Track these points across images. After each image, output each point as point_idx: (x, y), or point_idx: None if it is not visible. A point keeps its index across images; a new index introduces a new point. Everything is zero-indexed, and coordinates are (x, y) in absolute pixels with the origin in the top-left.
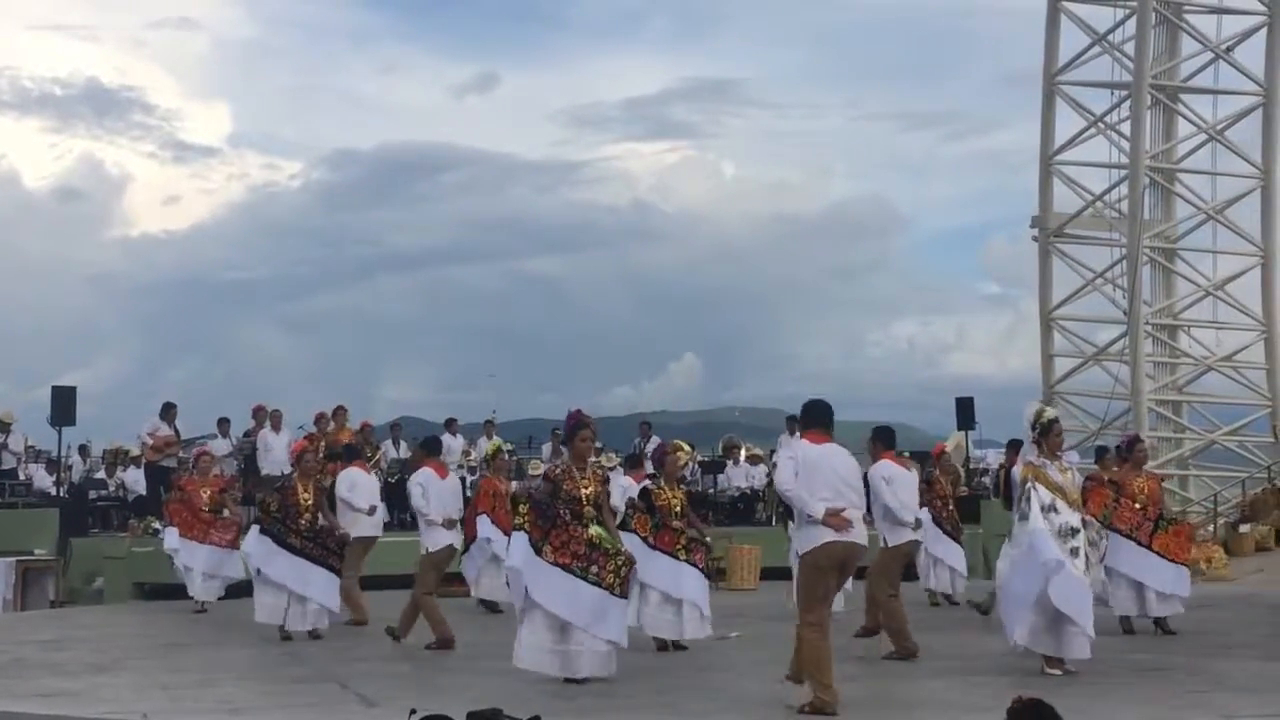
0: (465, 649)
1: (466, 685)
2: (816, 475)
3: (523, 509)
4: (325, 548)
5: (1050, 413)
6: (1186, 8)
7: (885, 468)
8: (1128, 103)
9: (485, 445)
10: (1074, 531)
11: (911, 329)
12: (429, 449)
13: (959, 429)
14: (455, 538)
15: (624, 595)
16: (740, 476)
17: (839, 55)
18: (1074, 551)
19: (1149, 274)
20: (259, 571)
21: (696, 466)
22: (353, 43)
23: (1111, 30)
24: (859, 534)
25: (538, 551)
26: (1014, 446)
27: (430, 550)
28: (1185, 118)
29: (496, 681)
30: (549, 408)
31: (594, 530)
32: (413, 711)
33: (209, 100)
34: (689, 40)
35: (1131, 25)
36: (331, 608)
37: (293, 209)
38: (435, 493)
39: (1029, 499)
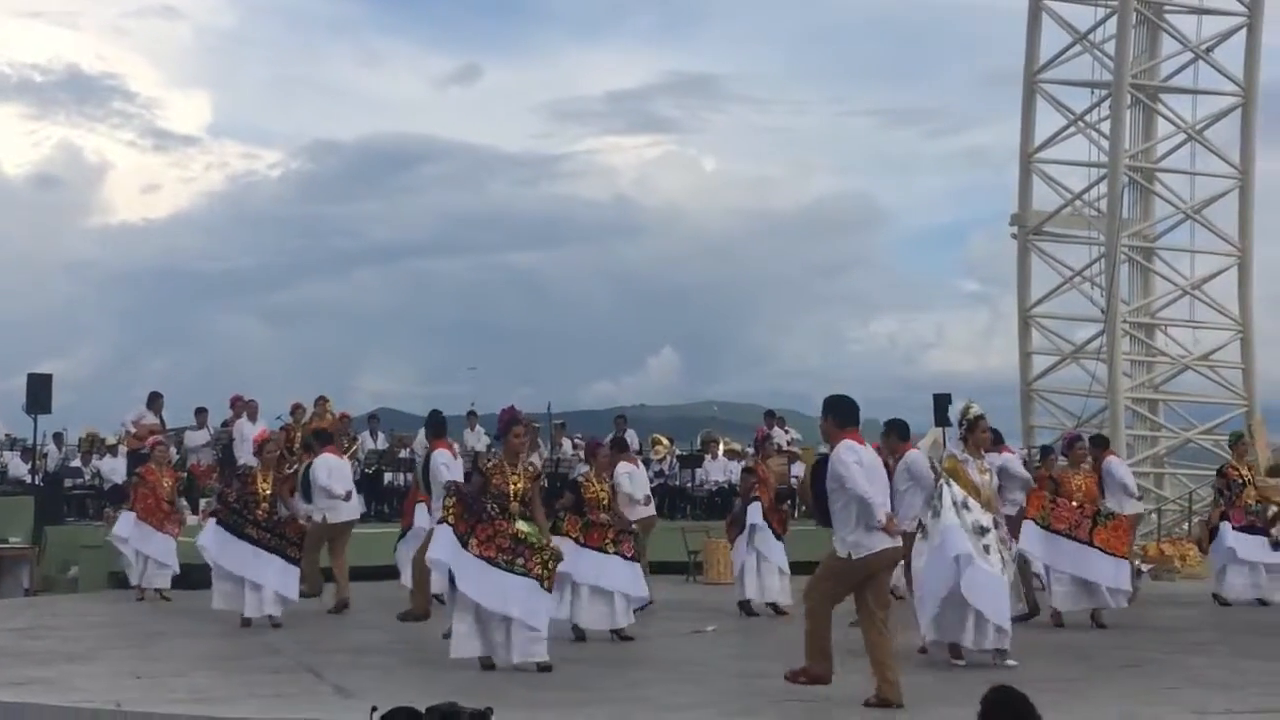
0: (441, 642)
1: (440, 677)
2: (875, 479)
3: (449, 502)
4: (283, 537)
5: (976, 409)
6: (1167, 8)
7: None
8: (1108, 102)
9: (469, 437)
10: (984, 530)
11: (891, 326)
12: (438, 430)
13: (936, 425)
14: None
15: (549, 589)
16: (718, 471)
17: (822, 52)
18: (985, 548)
19: (1127, 273)
20: (215, 563)
21: (675, 460)
22: (334, 33)
23: (1092, 29)
24: (899, 539)
25: (464, 545)
26: (1098, 444)
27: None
28: (1165, 117)
29: (470, 674)
30: (527, 401)
31: (520, 525)
32: (374, 709)
33: (189, 89)
34: (672, 35)
35: (1112, 24)
36: (289, 596)
37: (272, 199)
38: (457, 472)
39: (941, 495)
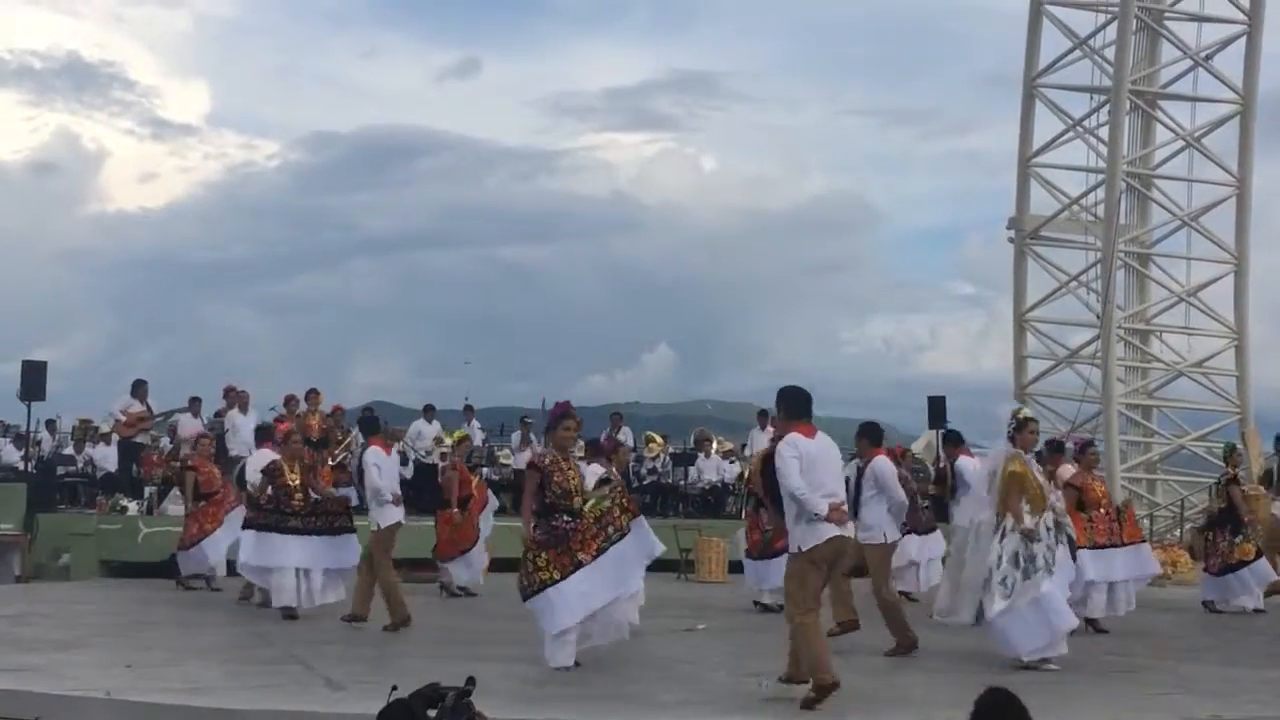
0: (433, 634)
1: (432, 670)
2: (818, 470)
3: (541, 560)
4: (328, 513)
5: (1026, 412)
6: (1167, 15)
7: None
8: (1107, 107)
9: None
10: (1056, 525)
11: (886, 327)
12: (371, 428)
13: (930, 428)
14: (402, 514)
15: (636, 514)
16: (711, 469)
17: (820, 50)
18: (1059, 543)
19: (1123, 278)
20: (263, 566)
21: (668, 458)
22: (334, 24)
23: (1093, 35)
24: (850, 527)
25: (577, 566)
26: (949, 440)
27: (383, 526)
28: (1163, 124)
29: (462, 666)
30: (522, 396)
31: (588, 507)
32: (394, 688)
33: (188, 78)
34: (671, 31)
35: (1113, 30)
36: (347, 566)
37: (270, 190)
38: (387, 470)
39: (1033, 557)
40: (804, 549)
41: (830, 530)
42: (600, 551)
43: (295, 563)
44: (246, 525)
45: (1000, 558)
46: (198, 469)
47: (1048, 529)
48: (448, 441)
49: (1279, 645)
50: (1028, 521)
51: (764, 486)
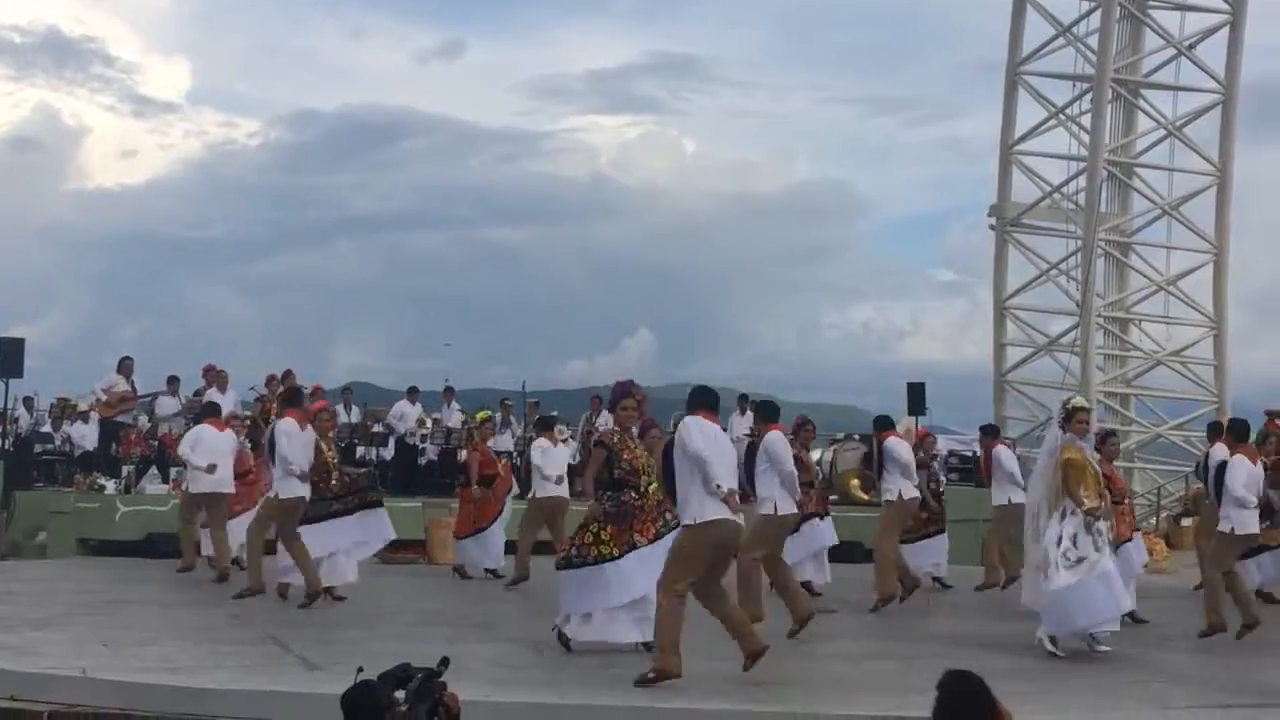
0: (415, 615)
1: (409, 651)
2: (720, 455)
3: (605, 533)
4: (362, 489)
5: (1078, 401)
6: (1151, 3)
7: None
8: (1089, 95)
9: (445, 413)
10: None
11: (867, 313)
12: (291, 400)
13: (910, 414)
14: (307, 489)
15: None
16: None
17: (805, 37)
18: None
19: (1103, 267)
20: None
21: None
22: (318, 3)
23: (1076, 22)
24: (741, 516)
25: (633, 546)
26: (988, 432)
27: (281, 497)
28: (1145, 113)
29: (440, 648)
30: (501, 378)
31: (653, 489)
32: (359, 670)
33: (170, 55)
34: (655, 15)
35: (1096, 18)
36: (388, 536)
37: (251, 168)
38: (299, 443)
39: (1099, 531)
40: (699, 520)
41: (722, 510)
42: (658, 536)
43: (336, 547)
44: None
45: (1061, 537)
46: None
47: (1086, 515)
48: (476, 418)
49: (1250, 641)
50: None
51: (663, 471)
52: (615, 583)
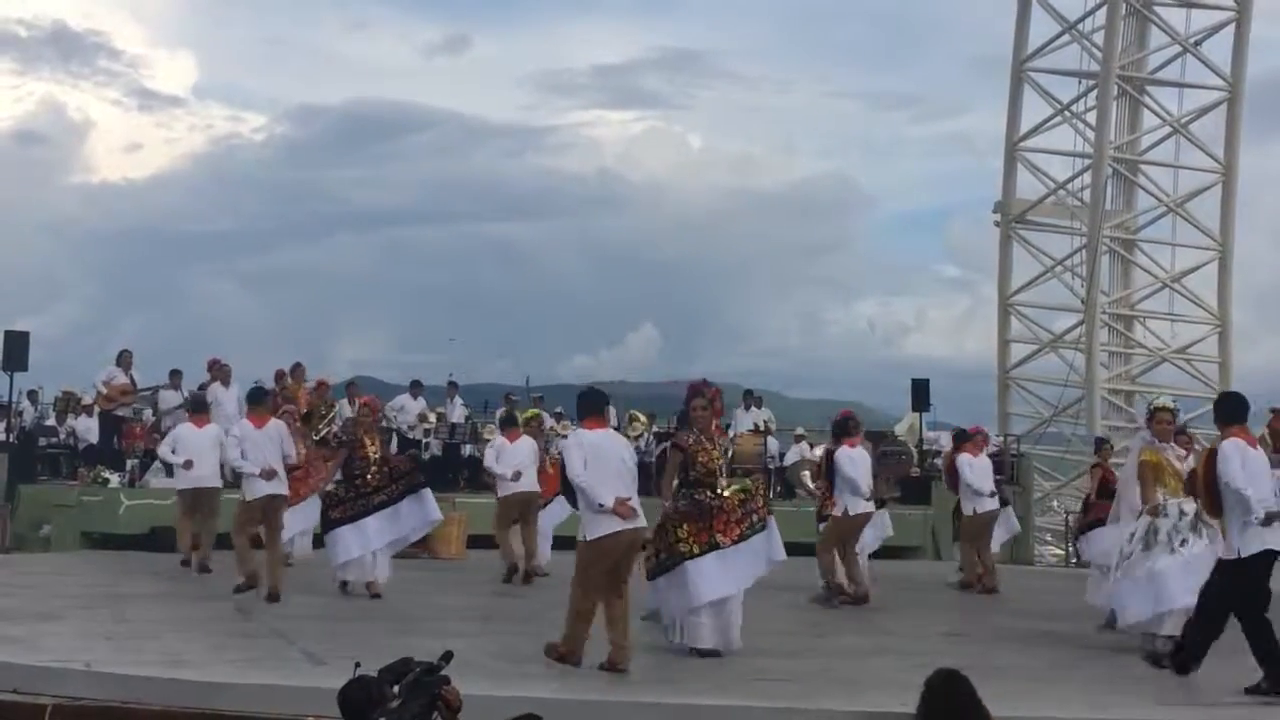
0: (422, 609)
1: (413, 645)
2: (602, 462)
3: (683, 531)
4: (401, 479)
5: (1161, 401)
6: (1156, 0)
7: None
8: (1095, 92)
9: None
10: (1198, 514)
11: (871, 309)
12: (251, 399)
13: (914, 410)
14: (276, 487)
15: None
16: None
17: (810, 31)
18: (1198, 531)
19: (1108, 264)
20: (356, 556)
21: (651, 437)
22: None
23: (1082, 19)
24: (641, 520)
25: (715, 546)
26: (957, 438)
27: (246, 499)
28: (1151, 110)
29: (443, 642)
30: (506, 373)
31: (729, 492)
32: (357, 665)
33: (175, 49)
34: (660, 9)
35: (1102, 15)
36: (435, 518)
37: (256, 162)
38: (255, 443)
39: (1155, 530)
40: (589, 539)
41: (615, 524)
42: (741, 538)
43: (377, 545)
44: (333, 525)
45: (1131, 535)
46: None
47: (1182, 513)
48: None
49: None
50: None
51: (561, 480)
52: (694, 582)
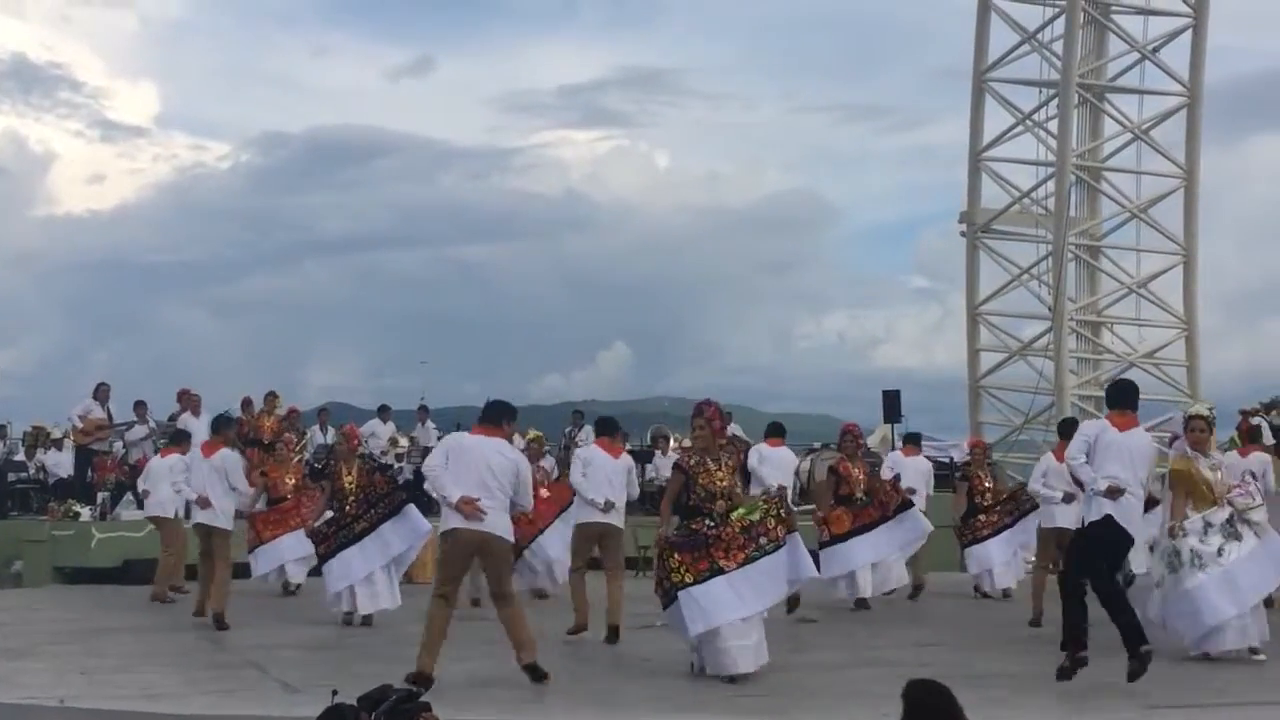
0: (399, 634)
1: (390, 673)
2: (463, 463)
3: (673, 560)
4: (379, 501)
5: (1194, 409)
6: (1114, 8)
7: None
8: (1055, 101)
9: (420, 432)
10: (1230, 520)
11: (841, 322)
12: (213, 427)
13: (885, 422)
14: (209, 516)
15: (792, 528)
16: (668, 467)
17: (774, 46)
18: (1235, 535)
19: (1074, 271)
20: (344, 586)
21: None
22: (285, 24)
23: (1040, 29)
24: (491, 524)
25: (719, 572)
26: (907, 440)
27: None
28: (1111, 117)
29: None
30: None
31: (736, 515)
32: (334, 693)
33: (137, 79)
34: (624, 29)
35: (1060, 24)
36: (423, 530)
37: (221, 191)
38: (195, 473)
39: (1176, 553)
40: (441, 530)
41: (455, 521)
42: (748, 560)
43: (363, 573)
44: (321, 560)
45: (1163, 553)
46: (269, 474)
47: (1208, 525)
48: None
49: None
50: (1189, 517)
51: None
52: (691, 610)
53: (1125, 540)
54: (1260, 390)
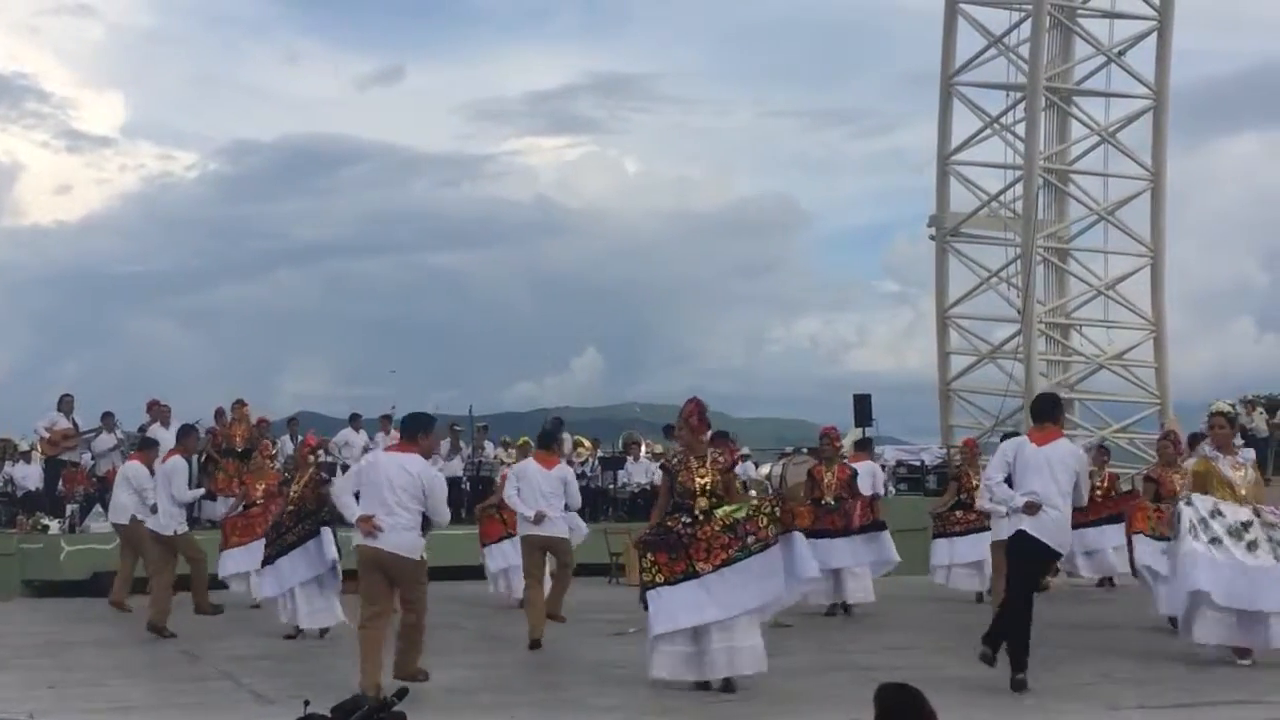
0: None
1: (355, 681)
2: (371, 483)
3: (648, 560)
4: (306, 515)
5: (1216, 406)
6: (1080, 11)
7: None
8: (1023, 104)
9: (382, 440)
10: (1246, 525)
11: (813, 326)
12: (142, 445)
13: (856, 425)
14: (159, 523)
15: (789, 527)
16: (640, 473)
17: (745, 52)
18: (1252, 545)
19: (1042, 273)
20: (276, 595)
21: (596, 462)
22: (253, 32)
23: (1007, 33)
24: (389, 540)
25: (694, 574)
26: (859, 447)
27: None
28: (1078, 120)
29: (390, 677)
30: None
31: (720, 511)
32: (306, 703)
33: (104, 89)
34: (594, 35)
35: (1027, 28)
36: (328, 557)
37: (190, 200)
38: (158, 479)
39: (1179, 517)
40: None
41: (357, 539)
42: (727, 563)
43: (292, 582)
44: (264, 561)
45: (1172, 518)
46: (245, 481)
47: (1218, 512)
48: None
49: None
50: (1233, 512)
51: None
52: (659, 610)
53: (1044, 553)
54: (1228, 390)
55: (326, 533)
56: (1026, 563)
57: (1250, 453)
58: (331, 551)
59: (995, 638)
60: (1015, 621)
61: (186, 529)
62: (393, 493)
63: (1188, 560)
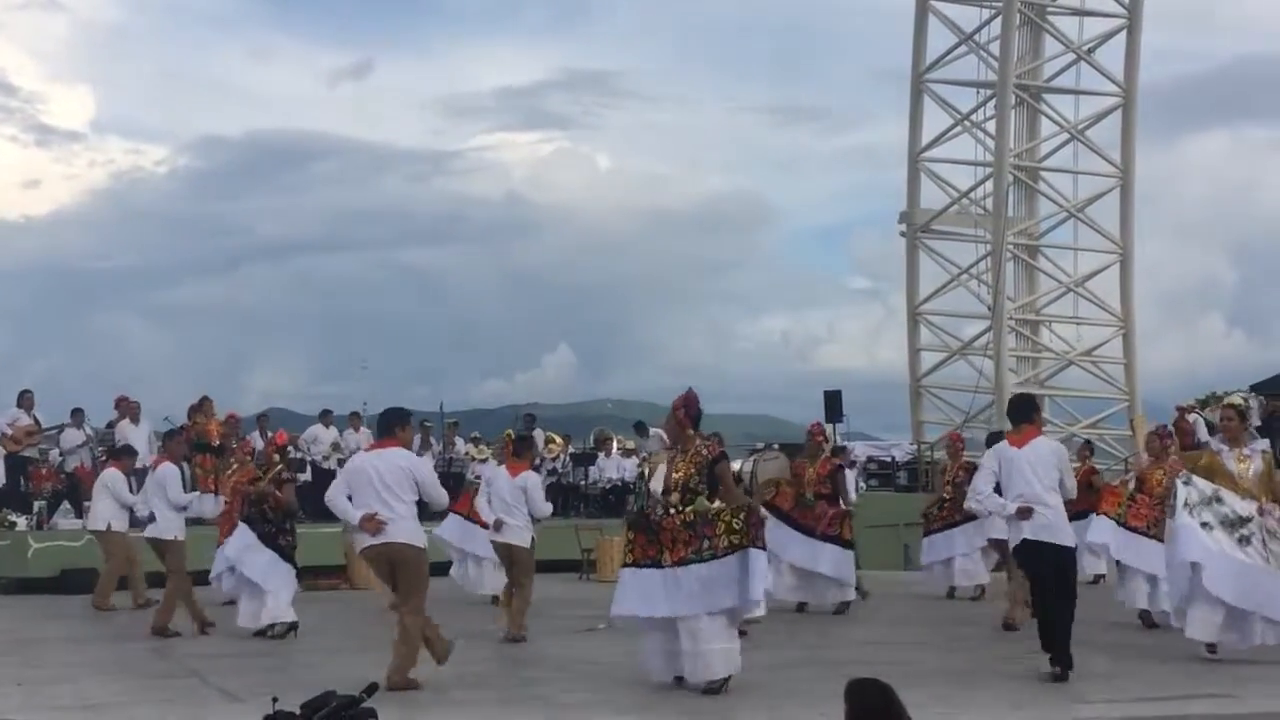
0: (343, 640)
1: (332, 678)
2: (357, 484)
3: (628, 537)
4: (258, 520)
5: (1229, 398)
6: (1050, 9)
7: None
8: (993, 102)
9: (351, 438)
10: (1243, 520)
11: (783, 323)
12: (116, 454)
13: (827, 421)
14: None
15: (750, 543)
16: (612, 468)
17: (715, 48)
18: (1243, 540)
19: (1012, 270)
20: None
21: (568, 459)
22: (223, 27)
23: (977, 30)
24: (392, 533)
25: (659, 564)
26: (834, 453)
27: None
28: (1048, 117)
29: (362, 673)
30: (420, 399)
31: (690, 508)
32: (274, 700)
33: (72, 84)
34: (565, 31)
35: (997, 25)
36: (280, 577)
37: (159, 196)
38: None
39: (1175, 494)
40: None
41: (365, 539)
42: (683, 562)
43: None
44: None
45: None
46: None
47: (1217, 499)
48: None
49: (1165, 637)
50: (1232, 503)
51: None
52: (620, 591)
53: (1055, 552)
54: (1197, 386)
55: (273, 556)
56: (1045, 568)
57: (1263, 443)
58: (277, 574)
59: (1055, 652)
60: (1061, 625)
61: (183, 537)
62: (386, 488)
63: (1184, 532)
